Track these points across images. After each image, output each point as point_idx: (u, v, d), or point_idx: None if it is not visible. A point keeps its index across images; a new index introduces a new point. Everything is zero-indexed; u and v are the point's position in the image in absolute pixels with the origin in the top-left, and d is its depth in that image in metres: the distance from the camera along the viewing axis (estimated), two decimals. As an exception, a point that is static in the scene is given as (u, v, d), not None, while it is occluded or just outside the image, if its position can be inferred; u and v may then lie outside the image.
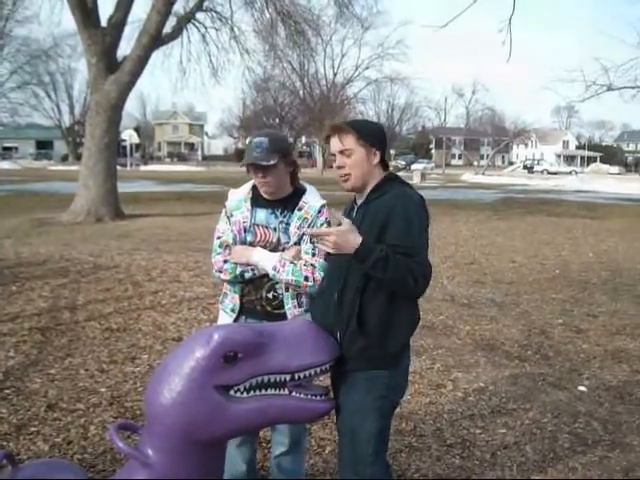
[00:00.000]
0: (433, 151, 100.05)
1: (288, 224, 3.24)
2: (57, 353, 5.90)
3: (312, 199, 3.31)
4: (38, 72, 68.86)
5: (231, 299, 3.35)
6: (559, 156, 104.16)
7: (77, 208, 16.95)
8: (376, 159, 2.72)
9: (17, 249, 11.39)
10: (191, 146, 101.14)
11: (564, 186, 46.37)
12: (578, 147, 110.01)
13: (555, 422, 4.76)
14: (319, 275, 3.17)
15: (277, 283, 3.21)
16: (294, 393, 2.42)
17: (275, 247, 3.23)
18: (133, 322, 6.96)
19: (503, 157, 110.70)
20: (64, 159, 77.21)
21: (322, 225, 3.23)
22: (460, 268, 10.73)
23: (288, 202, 3.28)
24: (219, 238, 3.37)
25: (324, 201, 3.34)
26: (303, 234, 3.21)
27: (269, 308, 3.25)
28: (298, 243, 3.23)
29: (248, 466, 3.52)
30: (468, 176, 61.28)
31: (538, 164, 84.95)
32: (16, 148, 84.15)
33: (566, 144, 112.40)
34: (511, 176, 66.54)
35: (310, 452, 4.15)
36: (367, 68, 65.58)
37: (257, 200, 3.32)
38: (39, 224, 15.53)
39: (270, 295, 3.24)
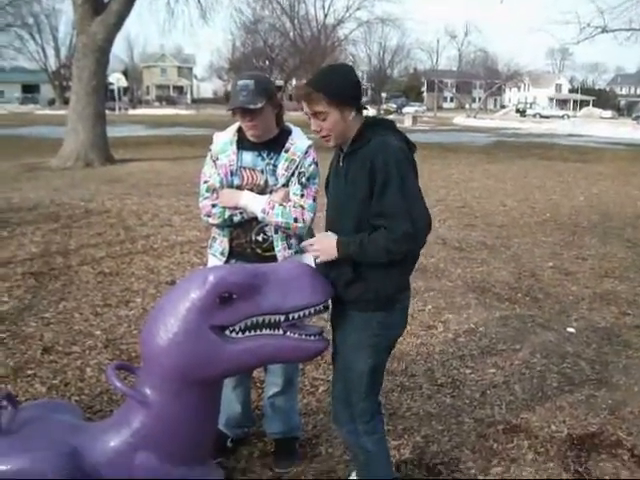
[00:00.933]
0: (425, 94, 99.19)
1: (275, 166, 3.22)
2: (51, 297, 5.93)
3: (298, 140, 3.28)
4: (21, 13, 67.37)
5: (220, 243, 3.35)
6: (552, 100, 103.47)
7: (66, 153, 16.80)
8: (352, 114, 2.65)
9: (6, 194, 11.32)
10: (180, 89, 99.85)
11: (556, 130, 46.22)
12: (571, 91, 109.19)
13: (544, 362, 4.85)
14: (308, 216, 3.18)
15: (266, 225, 3.20)
16: (288, 333, 2.45)
17: (263, 189, 3.21)
18: (126, 266, 6.98)
19: (495, 100, 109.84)
20: (51, 103, 76.12)
21: (309, 166, 3.23)
22: (451, 211, 10.76)
23: (274, 144, 3.24)
24: (206, 182, 3.34)
25: (310, 141, 3.32)
26: (291, 175, 3.20)
27: (259, 250, 3.24)
28: (286, 185, 3.22)
29: (243, 406, 3.59)
30: (460, 119, 60.94)
31: (531, 107, 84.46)
32: (1, 92, 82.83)
33: (559, 87, 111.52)
34: (503, 119, 66.20)
35: (303, 391, 4.23)
36: (358, 9, 64.46)
37: (243, 143, 3.28)
38: (28, 169, 15.41)
39: (260, 238, 3.24)
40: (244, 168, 3.25)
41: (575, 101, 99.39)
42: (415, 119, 48.88)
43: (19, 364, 4.54)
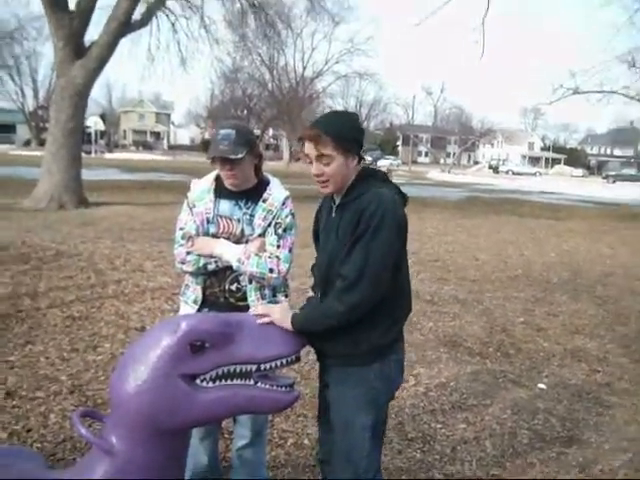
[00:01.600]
0: (400, 148, 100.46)
1: (252, 215, 3.22)
2: (17, 340, 5.82)
3: (276, 191, 3.29)
4: (2, 54, 67.60)
5: (193, 290, 3.32)
6: (524, 157, 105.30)
7: (40, 194, 16.69)
8: (354, 162, 2.63)
9: (-23, 234, 11.18)
10: (157, 135, 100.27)
11: (529, 187, 46.94)
12: (543, 149, 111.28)
13: (515, 418, 4.83)
14: (284, 267, 3.18)
15: (240, 275, 3.19)
16: (260, 384, 2.42)
17: (239, 239, 3.21)
18: (95, 310, 6.88)
19: (469, 156, 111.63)
20: (26, 144, 75.89)
21: (286, 217, 3.24)
22: (424, 265, 10.80)
23: (252, 193, 3.26)
24: (182, 229, 3.33)
25: (288, 192, 3.34)
26: (268, 225, 3.20)
27: (232, 300, 3.23)
28: (262, 235, 3.21)
29: (210, 458, 3.52)
30: (434, 174, 61.73)
31: (503, 164, 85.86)
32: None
33: (531, 145, 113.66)
34: (477, 175, 67.19)
35: (272, 444, 4.16)
36: (337, 62, 65.54)
37: (221, 191, 3.28)
38: (0, 209, 15.27)
39: (233, 287, 3.23)
40: (221, 217, 3.25)
41: (547, 159, 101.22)
42: (390, 172, 49.20)
43: (-19, 408, 4.42)
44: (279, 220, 3.22)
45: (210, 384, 2.35)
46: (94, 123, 59.49)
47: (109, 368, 5.22)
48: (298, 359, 2.58)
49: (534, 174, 76.52)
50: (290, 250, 3.24)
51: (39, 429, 4.18)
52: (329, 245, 2.67)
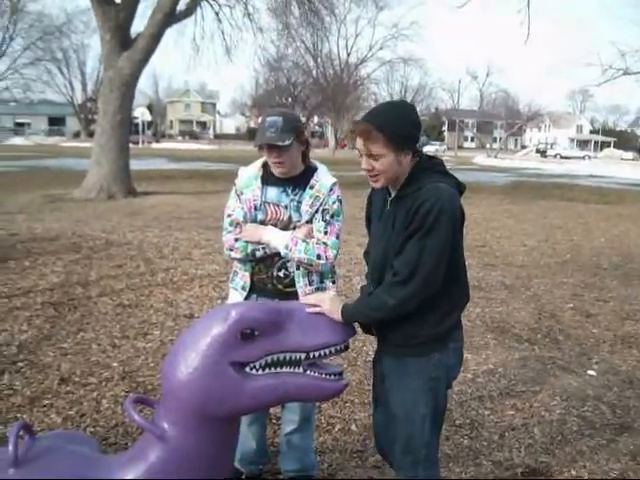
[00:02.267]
0: (446, 133, 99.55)
1: (300, 202, 3.24)
2: (70, 328, 5.96)
3: (324, 177, 3.31)
4: (51, 48, 68.86)
5: (242, 277, 3.36)
6: (572, 140, 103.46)
7: (89, 185, 16.99)
8: (408, 158, 2.56)
9: (30, 224, 11.44)
10: (203, 124, 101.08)
11: (577, 171, 46.13)
12: (592, 132, 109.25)
13: (564, 405, 4.78)
14: (331, 253, 3.19)
15: (288, 261, 3.22)
16: (309, 372, 2.43)
17: (286, 225, 3.24)
18: (145, 298, 7.00)
19: (516, 140, 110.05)
20: (76, 135, 77.34)
21: (333, 203, 3.24)
22: (471, 251, 10.71)
23: (299, 180, 3.27)
24: (229, 216, 3.36)
25: (335, 179, 3.34)
26: (315, 212, 3.22)
27: (280, 286, 3.26)
28: (310, 221, 3.23)
29: (258, 443, 3.57)
30: (480, 159, 61.01)
31: (551, 148, 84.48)
32: (29, 124, 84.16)
33: (580, 128, 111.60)
34: (524, 160, 66.23)
35: (319, 429, 4.20)
36: (381, 48, 65.28)
37: (268, 178, 3.31)
38: (51, 200, 15.59)
39: (281, 273, 3.26)
40: (268, 203, 3.28)
41: (596, 142, 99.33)
42: (435, 158, 48.89)
43: (36, 394, 4.54)
44: (326, 207, 3.23)
45: (259, 372, 2.37)
46: (141, 114, 60.09)
47: (159, 355, 5.31)
48: (347, 347, 2.59)
49: (583, 158, 75.17)
50: (337, 237, 3.26)
51: (92, 414, 4.28)
52: (385, 238, 2.65)
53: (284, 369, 2.41)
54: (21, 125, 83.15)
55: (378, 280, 2.65)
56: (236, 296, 3.37)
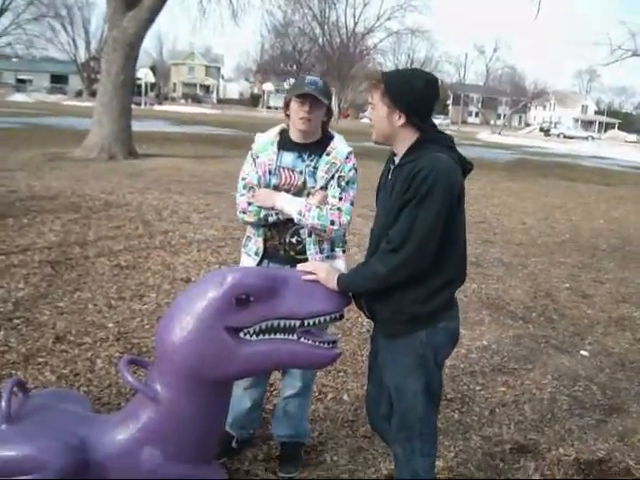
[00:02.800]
0: (450, 107, 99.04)
1: (316, 168, 3.25)
2: (66, 287, 5.96)
3: (340, 145, 3.32)
4: (55, 4, 68.34)
5: (255, 242, 3.36)
6: (577, 120, 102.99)
7: (90, 144, 16.90)
8: (400, 121, 2.54)
9: (29, 182, 11.41)
10: (206, 88, 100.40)
11: (580, 151, 45.99)
12: (597, 112, 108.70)
13: (555, 384, 4.81)
14: (345, 219, 3.19)
15: (301, 228, 3.23)
16: (302, 339, 2.44)
17: (300, 190, 3.24)
18: (142, 260, 7.01)
19: (520, 118, 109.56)
20: (78, 94, 76.77)
21: (349, 171, 3.25)
22: (470, 226, 10.60)
23: (316, 147, 3.28)
24: (244, 179, 3.36)
25: (351, 148, 3.34)
26: (331, 178, 3.23)
27: (292, 253, 3.27)
28: (325, 187, 3.23)
29: (252, 408, 3.58)
30: (484, 135, 60.80)
31: (555, 127, 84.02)
32: (30, 81, 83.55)
33: (585, 109, 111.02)
34: (527, 138, 65.99)
35: (312, 398, 4.21)
36: (389, 19, 64.59)
37: (285, 144, 3.32)
38: (52, 158, 15.52)
39: (294, 240, 3.26)
40: (283, 168, 3.28)
41: (600, 123, 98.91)
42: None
43: (31, 351, 4.56)
44: (342, 173, 3.24)
45: (254, 337, 2.38)
46: (144, 75, 59.67)
47: (154, 317, 5.33)
48: (342, 316, 2.59)
49: (586, 138, 74.84)
50: (352, 203, 3.26)
51: (86, 374, 4.30)
52: (383, 206, 2.67)
53: (278, 335, 2.41)
54: (23, 82, 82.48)
55: (375, 249, 2.65)
56: (249, 261, 3.38)
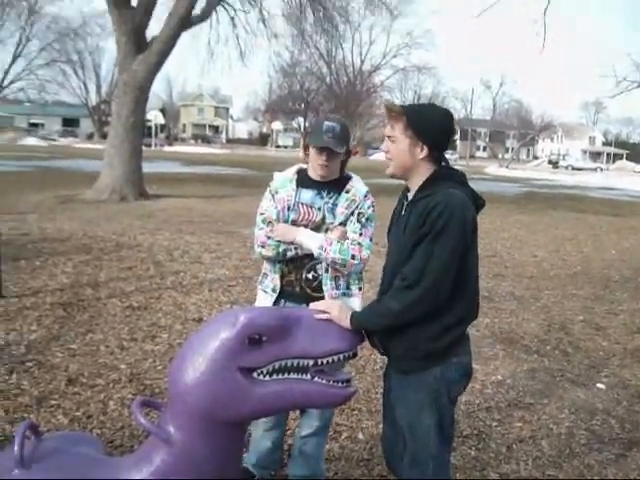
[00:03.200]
0: (458, 142, 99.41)
1: (335, 205, 3.30)
2: (78, 329, 5.97)
3: (358, 184, 3.40)
4: (66, 50, 69.52)
5: (272, 280, 3.37)
6: (585, 152, 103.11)
7: (101, 186, 17.05)
8: (422, 154, 2.56)
9: (41, 224, 11.49)
10: (216, 129, 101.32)
11: (589, 182, 45.95)
12: (605, 143, 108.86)
13: (572, 418, 4.75)
14: (365, 254, 3.23)
15: (318, 263, 3.26)
16: (316, 378, 2.42)
17: (318, 226, 3.28)
18: (154, 301, 7.01)
19: (528, 151, 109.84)
20: (89, 137, 77.67)
21: (368, 208, 3.32)
22: (481, 260, 10.56)
23: (334, 185, 3.35)
24: (262, 214, 3.39)
25: (367, 188, 3.41)
26: (351, 214, 3.28)
27: (308, 290, 3.30)
28: (344, 224, 3.28)
29: (274, 448, 3.59)
30: (492, 169, 60.86)
31: (563, 159, 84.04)
32: (42, 125, 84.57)
33: (592, 140, 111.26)
34: (535, 170, 65.99)
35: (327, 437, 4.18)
36: (395, 56, 65.39)
37: (303, 181, 3.38)
38: (63, 201, 15.65)
39: (310, 275, 3.29)
40: (302, 204, 3.33)
41: (608, 154, 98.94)
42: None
43: (43, 394, 4.55)
44: (362, 210, 3.31)
45: (267, 377, 2.36)
46: (154, 117, 60.35)
47: (167, 358, 5.31)
48: (355, 355, 2.58)
49: (595, 169, 74.87)
50: (371, 239, 3.30)
51: (99, 416, 4.28)
52: (396, 242, 2.66)
53: (292, 375, 2.40)
54: (35, 125, 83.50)
55: (388, 286, 2.63)
56: (266, 298, 3.39)
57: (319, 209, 3.30)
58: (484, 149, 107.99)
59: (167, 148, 64.69)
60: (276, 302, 3.34)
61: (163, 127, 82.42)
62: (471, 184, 2.70)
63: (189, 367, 2.34)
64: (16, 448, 2.42)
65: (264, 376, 2.36)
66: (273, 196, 3.38)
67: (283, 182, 3.39)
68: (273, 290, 3.36)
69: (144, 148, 20.10)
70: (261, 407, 2.38)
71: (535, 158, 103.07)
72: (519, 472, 3.93)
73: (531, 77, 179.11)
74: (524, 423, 4.63)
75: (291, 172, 3.44)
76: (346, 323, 2.51)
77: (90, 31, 69.16)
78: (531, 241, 13.79)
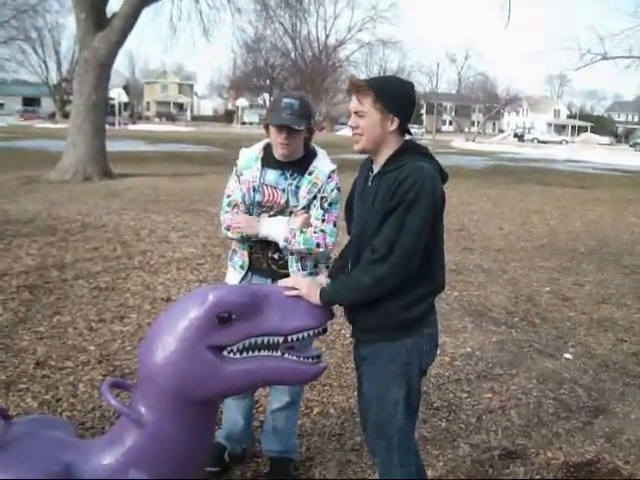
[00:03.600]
0: (424, 116, 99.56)
1: (298, 187, 3.26)
2: (45, 311, 5.90)
3: (322, 164, 3.32)
4: (25, 27, 67.80)
5: (240, 255, 3.38)
6: (550, 125, 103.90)
7: (65, 166, 16.78)
8: (393, 126, 2.54)
9: (4, 206, 11.29)
10: (180, 106, 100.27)
11: (554, 155, 46.39)
12: (569, 116, 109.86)
13: (540, 388, 4.82)
14: (330, 241, 3.21)
15: None
16: (287, 355, 2.42)
17: (283, 209, 3.26)
18: (122, 281, 6.94)
19: (494, 124, 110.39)
20: (51, 117, 76.34)
21: (332, 191, 3.26)
22: (449, 234, 10.73)
23: (299, 165, 3.29)
24: (229, 197, 3.37)
25: (334, 166, 3.35)
26: (313, 198, 3.24)
27: (275, 267, 3.30)
28: (307, 207, 3.25)
29: (245, 423, 3.60)
30: (458, 142, 61.14)
31: (529, 132, 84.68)
32: (2, 105, 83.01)
33: (557, 113, 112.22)
34: (501, 144, 66.46)
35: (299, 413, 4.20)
36: (360, 31, 65.14)
37: (268, 161, 3.32)
38: (26, 182, 15.38)
39: (276, 255, 3.29)
40: (266, 185, 3.30)
41: (573, 127, 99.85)
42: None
43: (11, 378, 4.49)
44: (325, 194, 3.26)
45: (237, 355, 2.35)
46: (117, 95, 59.49)
47: (136, 338, 5.28)
48: (325, 331, 2.58)
49: (560, 142, 75.55)
50: (335, 224, 3.26)
51: (68, 398, 4.24)
52: (363, 213, 2.63)
53: (262, 353, 2.39)
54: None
55: (356, 259, 2.62)
56: (235, 275, 3.40)
57: (283, 191, 3.27)
58: (450, 123, 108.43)
59: (131, 127, 63.81)
60: (244, 277, 3.35)
61: (127, 105, 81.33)
62: (438, 158, 2.70)
63: (158, 347, 2.32)
64: (-16, 433, 2.40)
65: (234, 354, 2.35)
66: (239, 177, 3.36)
67: (249, 161, 3.36)
68: (242, 267, 3.36)
69: (108, 127, 19.83)
70: (232, 385, 2.38)
71: (501, 132, 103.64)
72: (489, 442, 3.98)
73: (496, 51, 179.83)
74: (493, 394, 4.68)
75: (257, 149, 3.40)
76: (316, 299, 2.50)
77: (49, 8, 67.58)
78: (498, 214, 13.91)
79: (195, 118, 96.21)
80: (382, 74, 78.09)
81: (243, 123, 78.49)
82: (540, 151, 51.83)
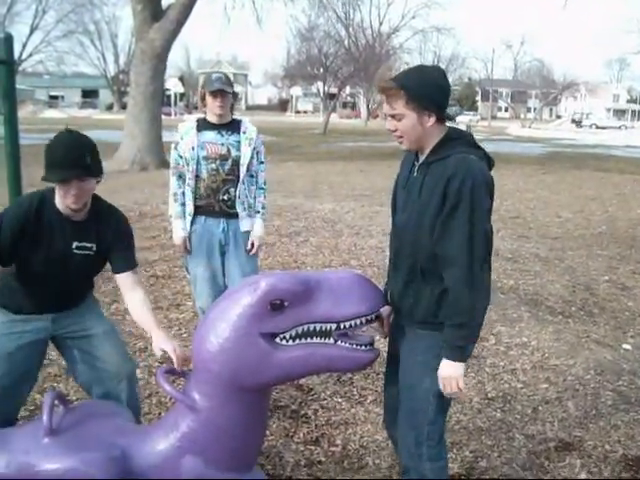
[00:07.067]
0: (479, 103, 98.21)
1: (238, 141, 4.15)
2: (104, 299, 6.00)
3: (250, 126, 4.28)
4: (83, 20, 69.33)
5: (188, 206, 4.18)
6: (609, 110, 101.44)
7: (122, 156, 17.09)
8: (431, 121, 2.48)
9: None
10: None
11: (613, 141, 45.28)
12: (629, 101, 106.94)
13: (598, 379, 4.73)
14: (265, 193, 4.39)
15: (231, 187, 4.12)
16: (339, 342, 2.41)
17: (226, 159, 4.10)
18: (178, 270, 7.03)
19: (551, 110, 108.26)
20: (109, 108, 77.72)
21: (261, 146, 4.31)
22: (504, 222, 10.59)
23: (230, 126, 4.19)
24: (175, 168, 4.27)
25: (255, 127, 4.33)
26: (253, 149, 4.17)
27: (225, 207, 4.13)
28: (250, 157, 4.15)
29: None
30: (514, 129, 60.14)
31: (587, 118, 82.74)
32: (62, 97, 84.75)
33: (616, 98, 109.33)
34: (558, 130, 65.13)
35: (352, 401, 4.21)
36: (413, 17, 64.21)
37: (203, 126, 4.17)
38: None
39: (225, 197, 4.13)
40: (207, 142, 4.12)
41: (633, 112, 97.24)
42: (469, 128, 48.30)
43: (71, 364, 4.59)
44: (259, 149, 4.28)
45: (290, 342, 2.36)
46: (173, 85, 60.22)
47: (192, 325, 5.35)
48: (378, 317, 2.57)
49: (619, 128, 73.66)
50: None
51: (126, 384, 4.31)
52: (410, 204, 2.58)
53: (315, 339, 2.39)
54: (55, 98, 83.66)
55: (400, 247, 2.59)
56: (181, 223, 4.21)
57: (222, 144, 4.11)
58: (506, 109, 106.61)
59: (187, 116, 64.51)
60: (193, 221, 4.15)
61: (182, 95, 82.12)
62: (493, 145, 2.67)
63: (212, 335, 2.34)
64: (45, 417, 2.46)
65: (287, 341, 2.36)
66: (177, 144, 4.18)
67: (187, 130, 4.16)
68: (189, 214, 4.16)
69: (164, 117, 20.08)
70: (284, 372, 2.39)
71: (558, 117, 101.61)
72: (545, 433, 3.93)
73: (552, 36, 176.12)
74: (550, 384, 4.61)
75: (191, 121, 4.25)
76: (462, 372, 2.48)
77: (106, 1, 69.09)
78: (555, 201, 13.65)
79: (249, 107, 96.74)
80: (436, 61, 77.61)
81: (297, 112, 78.66)
82: (598, 137, 50.65)
